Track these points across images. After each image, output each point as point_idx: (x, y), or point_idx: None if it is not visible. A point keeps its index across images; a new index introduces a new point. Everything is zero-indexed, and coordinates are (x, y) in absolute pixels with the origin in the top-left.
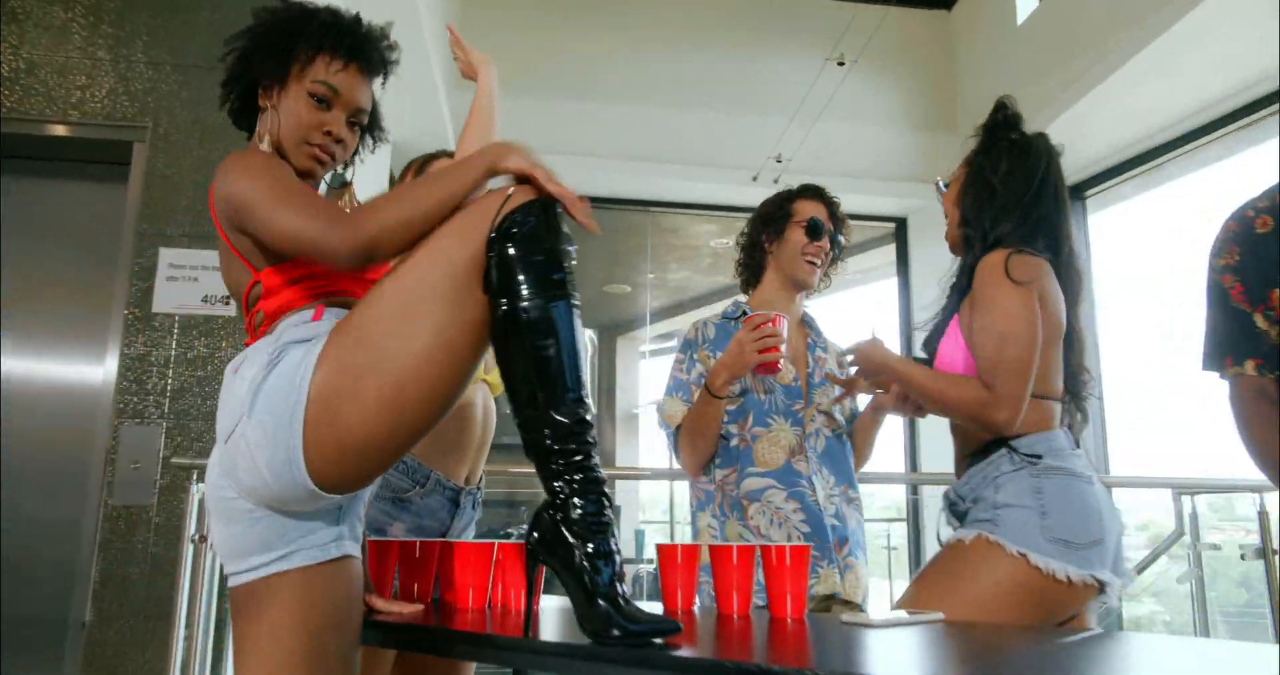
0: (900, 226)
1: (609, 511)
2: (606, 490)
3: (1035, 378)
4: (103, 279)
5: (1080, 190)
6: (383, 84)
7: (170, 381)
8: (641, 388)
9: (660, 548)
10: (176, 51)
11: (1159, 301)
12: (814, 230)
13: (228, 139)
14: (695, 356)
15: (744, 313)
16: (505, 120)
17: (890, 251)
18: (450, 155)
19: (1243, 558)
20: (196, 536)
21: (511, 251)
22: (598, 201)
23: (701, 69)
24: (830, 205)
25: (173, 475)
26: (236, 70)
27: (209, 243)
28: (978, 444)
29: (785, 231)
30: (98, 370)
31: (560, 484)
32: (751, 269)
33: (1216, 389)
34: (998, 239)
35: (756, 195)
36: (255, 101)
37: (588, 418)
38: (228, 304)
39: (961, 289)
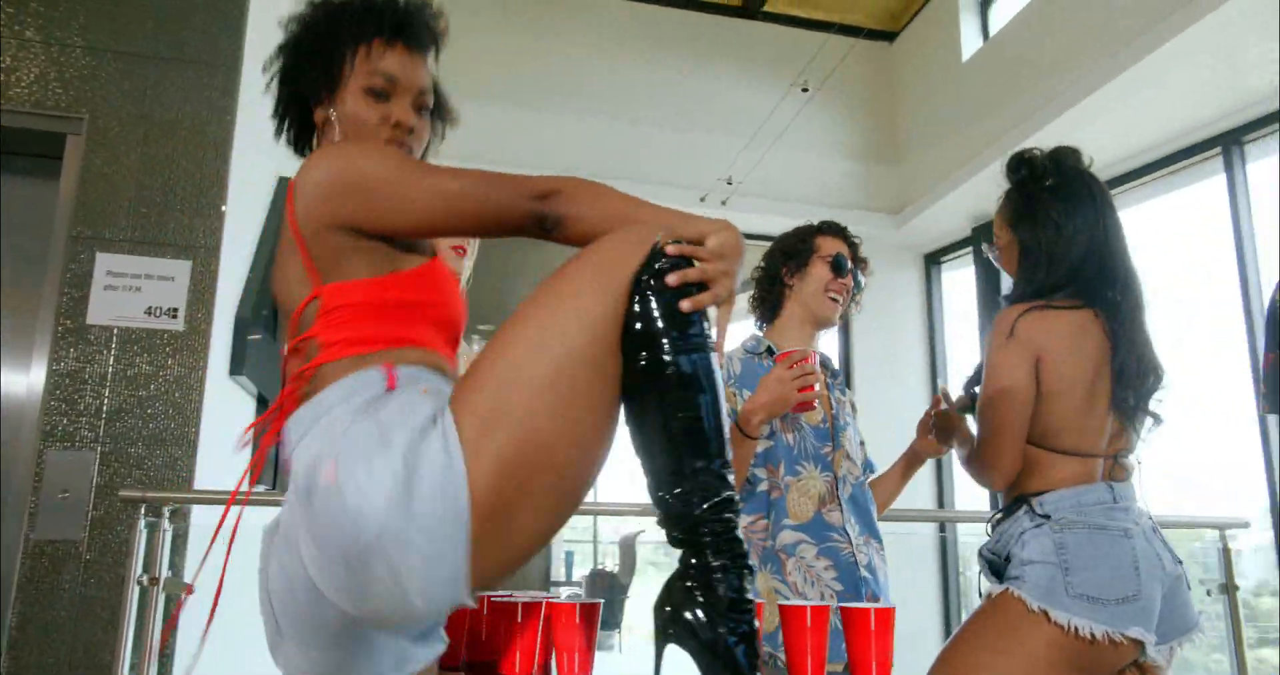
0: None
1: (751, 587)
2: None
3: (1047, 434)
4: (29, 286)
5: None
6: (436, 60)
7: (106, 401)
8: None
9: (784, 609)
10: (119, 38)
11: None
12: (839, 266)
13: (177, 136)
14: (730, 391)
15: (769, 348)
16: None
17: None
18: None
19: (1208, 594)
20: (145, 578)
21: (654, 300)
22: None
23: (655, 86)
24: (851, 244)
25: (108, 507)
26: (282, 93)
27: (156, 249)
28: (1007, 499)
29: (809, 266)
30: (21, 386)
31: (707, 557)
32: (769, 304)
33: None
34: (1024, 293)
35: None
36: (311, 122)
37: (732, 481)
38: (175, 317)
39: None
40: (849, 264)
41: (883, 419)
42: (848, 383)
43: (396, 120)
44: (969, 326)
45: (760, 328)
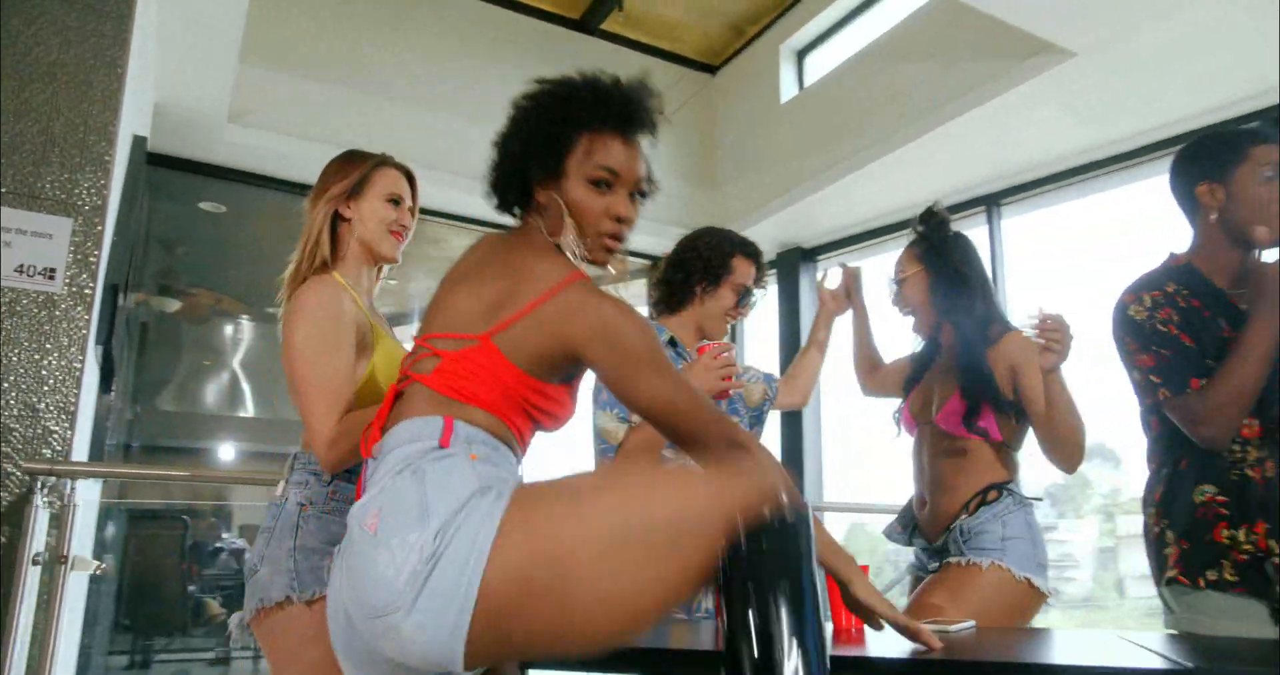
0: (657, 265)
1: None
2: None
3: (1019, 437)
4: None
5: (814, 254)
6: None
7: None
8: None
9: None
10: None
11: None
12: (743, 300)
13: (58, 82)
14: None
15: (671, 339)
16: (290, 100)
17: (641, 285)
18: (399, 165)
19: None
20: (45, 556)
21: (752, 580)
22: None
23: (496, 87)
24: (760, 268)
25: None
26: (506, 165)
27: (30, 202)
28: (986, 487)
29: (720, 288)
30: None
31: None
32: (675, 301)
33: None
34: (996, 323)
35: None
36: (529, 191)
37: None
38: (51, 278)
39: (956, 365)
40: (752, 298)
41: None
42: None
43: (618, 215)
44: (770, 338)
45: (659, 313)
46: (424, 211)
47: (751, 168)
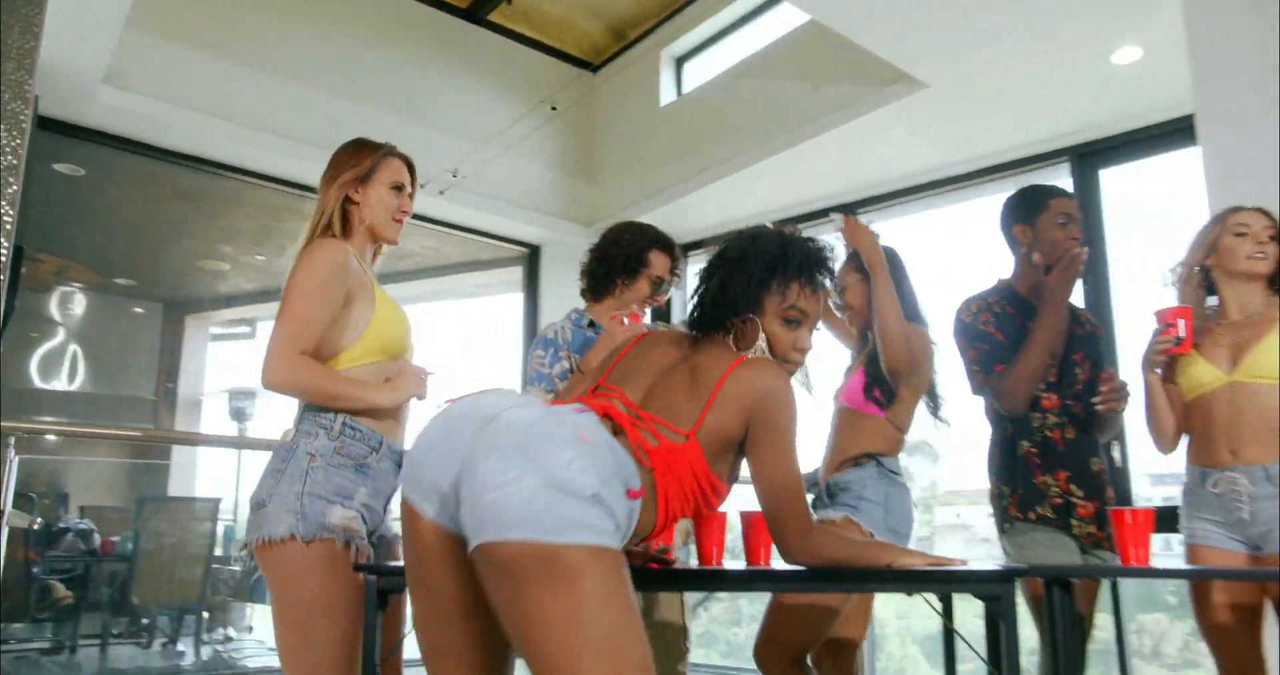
0: (534, 253)
1: None
2: None
3: (908, 417)
4: None
5: (686, 249)
6: None
7: None
8: (208, 373)
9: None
10: None
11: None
12: (658, 288)
13: None
14: (559, 355)
15: (591, 322)
16: (170, 67)
17: (517, 271)
18: (402, 156)
19: None
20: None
21: None
22: (250, 173)
23: (383, 70)
24: (675, 260)
25: None
26: (714, 296)
27: None
28: (861, 453)
29: (637, 279)
30: None
31: None
32: (598, 289)
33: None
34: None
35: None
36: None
37: None
38: None
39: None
40: (665, 287)
41: None
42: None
43: (802, 347)
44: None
45: (584, 299)
46: (297, 187)
47: (630, 166)
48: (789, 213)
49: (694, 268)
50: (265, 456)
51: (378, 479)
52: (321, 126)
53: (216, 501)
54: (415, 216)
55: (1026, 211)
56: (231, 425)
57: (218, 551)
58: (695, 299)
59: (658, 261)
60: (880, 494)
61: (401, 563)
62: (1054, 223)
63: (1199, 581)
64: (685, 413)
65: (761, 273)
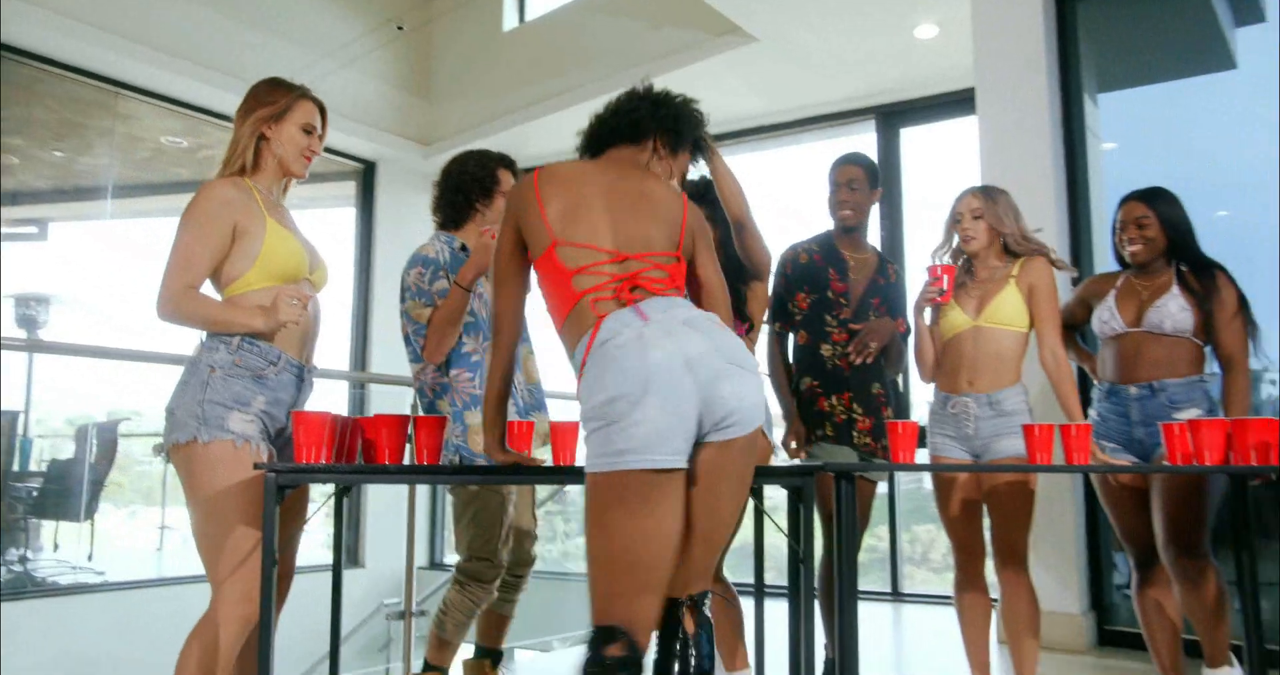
0: (369, 169)
1: None
2: None
3: None
4: None
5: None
6: None
7: None
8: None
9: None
10: None
11: None
12: None
13: None
14: (439, 273)
15: (463, 246)
16: None
17: (351, 186)
18: (315, 99)
19: None
20: None
21: None
22: (51, 62)
23: None
24: (518, 176)
25: None
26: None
27: None
28: None
29: (493, 197)
30: None
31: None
32: (458, 217)
33: None
34: None
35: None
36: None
37: None
38: None
39: None
40: None
41: (397, 327)
42: (367, 273)
43: None
44: None
45: (443, 228)
46: (112, 82)
47: (469, 89)
48: None
49: None
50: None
51: (277, 389)
52: (146, 21)
53: (15, 414)
54: None
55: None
56: (20, 333)
57: (15, 467)
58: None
59: (506, 178)
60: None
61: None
62: (831, 186)
63: (941, 484)
64: (669, 237)
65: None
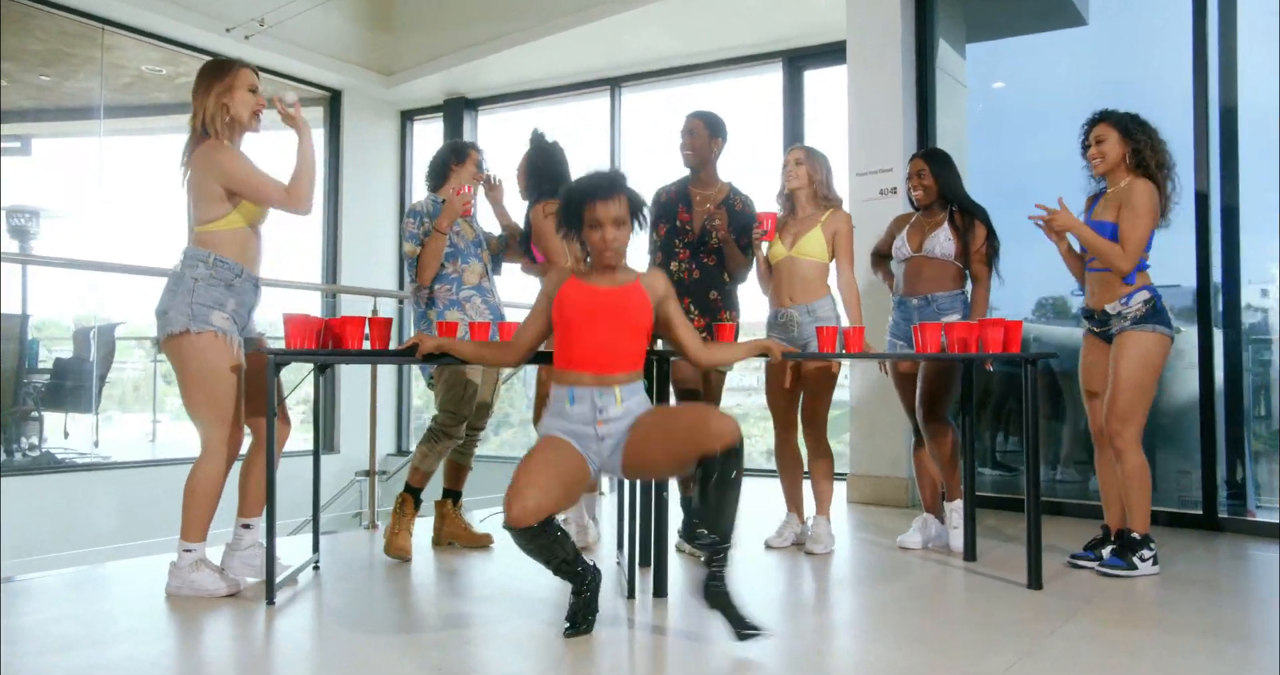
0: (336, 98)
1: None
2: None
3: None
4: None
5: (476, 104)
6: None
7: None
8: None
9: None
10: None
11: None
12: (479, 168)
13: None
14: (424, 221)
15: (442, 201)
16: None
17: (318, 112)
18: (250, 65)
19: None
20: None
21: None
22: (54, 5)
23: None
24: (480, 151)
25: None
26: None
27: None
28: None
29: (465, 163)
30: None
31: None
32: (439, 179)
33: None
34: None
35: (219, 43)
36: None
37: None
38: None
39: None
40: (485, 164)
41: (362, 244)
42: (336, 220)
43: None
44: None
45: (433, 190)
46: (110, 23)
47: (426, 24)
48: (567, 81)
49: (485, 121)
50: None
51: (241, 294)
52: None
53: (23, 318)
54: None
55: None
56: (13, 244)
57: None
58: None
59: (474, 154)
60: None
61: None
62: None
63: (771, 373)
64: None
65: (568, 207)
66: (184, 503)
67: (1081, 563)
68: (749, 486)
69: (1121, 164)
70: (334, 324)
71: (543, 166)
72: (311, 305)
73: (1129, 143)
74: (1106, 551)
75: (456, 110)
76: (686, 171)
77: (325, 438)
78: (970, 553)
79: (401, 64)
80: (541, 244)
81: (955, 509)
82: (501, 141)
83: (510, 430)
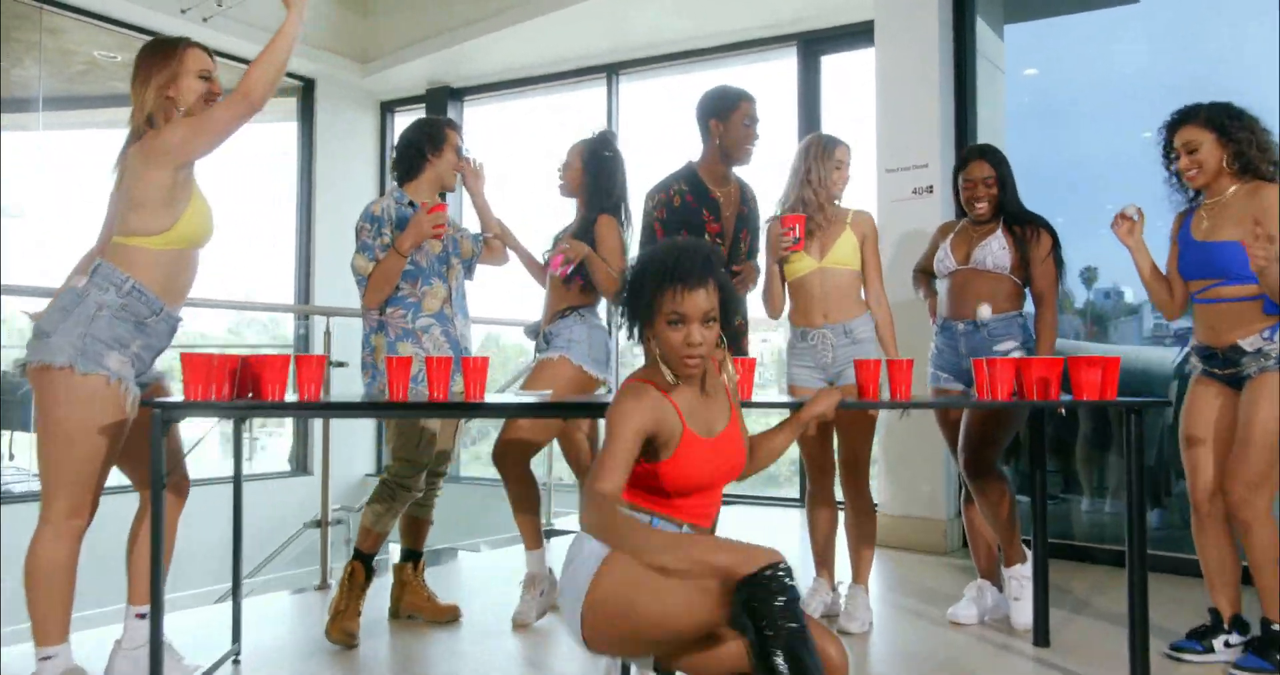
0: (309, 87)
1: None
2: None
3: None
4: None
5: (461, 94)
6: None
7: None
8: None
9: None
10: None
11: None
12: (459, 153)
13: None
14: (383, 230)
15: (410, 202)
16: None
17: (290, 103)
18: (200, 45)
19: None
20: None
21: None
22: None
23: None
24: (460, 133)
25: None
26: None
27: None
28: (567, 306)
29: (443, 151)
30: None
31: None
32: (411, 170)
33: None
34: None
35: (174, 26)
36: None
37: None
38: None
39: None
40: (465, 151)
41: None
42: (309, 194)
43: (691, 342)
44: None
45: (400, 184)
46: (49, 2)
47: (406, 7)
48: (560, 68)
49: (471, 113)
50: None
51: (153, 336)
52: None
53: None
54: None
55: (722, 107)
56: None
57: None
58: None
59: (453, 136)
60: (584, 335)
61: (176, 397)
62: (741, 122)
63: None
64: None
65: (638, 290)
66: (27, 598)
67: (1186, 657)
68: (744, 516)
69: (1223, 170)
70: (253, 364)
71: (610, 178)
72: (284, 327)
73: (1229, 145)
74: (1223, 644)
75: (440, 100)
76: (683, 163)
77: (297, 455)
78: (1042, 636)
79: (380, 50)
80: (603, 250)
81: (1016, 576)
82: (490, 136)
83: None
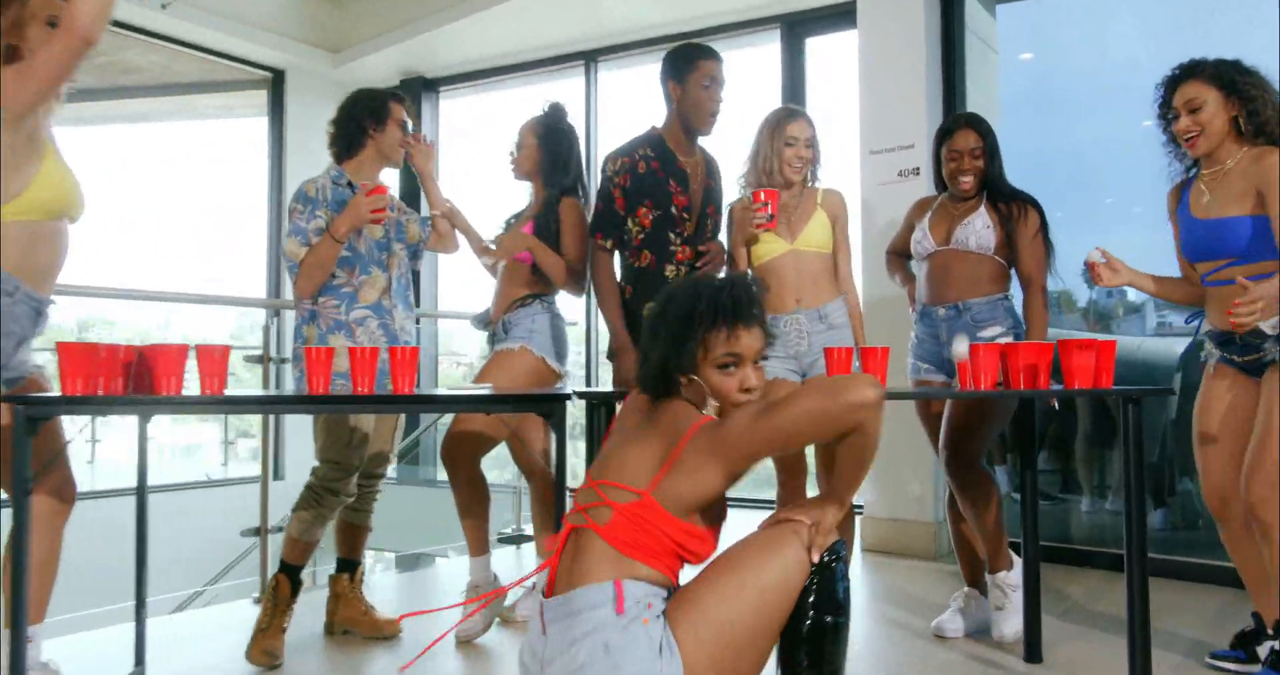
0: (278, 78)
1: None
2: None
3: None
4: None
5: (435, 84)
6: None
7: None
8: None
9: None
10: None
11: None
12: (405, 130)
13: None
14: (317, 212)
15: (349, 182)
16: None
17: (258, 95)
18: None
19: None
20: None
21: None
22: None
23: None
24: (408, 109)
25: None
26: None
27: None
28: (528, 294)
29: (386, 125)
30: None
31: None
32: (350, 145)
33: None
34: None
35: (131, 13)
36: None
37: None
38: None
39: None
40: (411, 128)
41: None
42: (279, 187)
43: (747, 387)
44: None
45: (339, 161)
46: None
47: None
48: (534, 56)
49: (447, 105)
50: None
51: (11, 321)
52: None
53: None
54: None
55: (680, 69)
56: None
57: None
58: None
59: (397, 110)
60: (545, 325)
61: (51, 393)
62: (700, 84)
63: None
64: (642, 472)
65: (681, 332)
66: None
67: (1226, 666)
68: (741, 519)
69: (1229, 134)
70: (148, 354)
71: (569, 151)
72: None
73: (1238, 103)
74: (1268, 651)
75: (414, 92)
76: (647, 129)
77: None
78: (1034, 651)
79: (350, 40)
80: (567, 236)
81: (1001, 584)
82: (468, 129)
83: None
